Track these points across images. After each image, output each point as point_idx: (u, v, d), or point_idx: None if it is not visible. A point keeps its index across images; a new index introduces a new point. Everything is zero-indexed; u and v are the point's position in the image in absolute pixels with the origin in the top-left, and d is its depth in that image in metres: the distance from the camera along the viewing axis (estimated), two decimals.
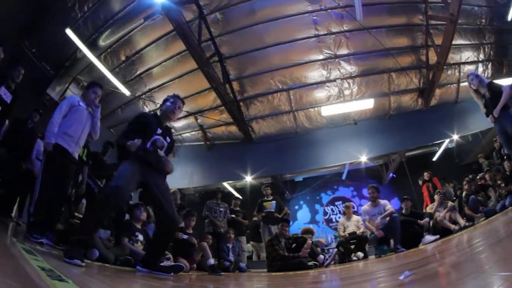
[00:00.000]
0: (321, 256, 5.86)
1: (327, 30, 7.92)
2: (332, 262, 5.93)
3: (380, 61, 8.82)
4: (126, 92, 8.05)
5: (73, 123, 3.48)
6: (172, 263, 3.85)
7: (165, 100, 3.14)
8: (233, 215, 7.20)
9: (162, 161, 2.78)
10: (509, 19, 7.97)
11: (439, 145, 11.42)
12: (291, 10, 7.38)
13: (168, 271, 2.88)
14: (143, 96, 8.66)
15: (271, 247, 5.72)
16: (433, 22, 8.07)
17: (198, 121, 9.09)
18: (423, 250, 4.74)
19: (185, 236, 4.93)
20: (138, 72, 8.10)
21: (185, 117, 8.91)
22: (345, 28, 7.94)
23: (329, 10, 7.52)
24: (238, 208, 7.53)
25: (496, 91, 4.44)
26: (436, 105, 10.07)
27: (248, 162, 9.18)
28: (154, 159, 2.70)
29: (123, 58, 7.65)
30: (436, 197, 6.50)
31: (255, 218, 7.64)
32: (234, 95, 8.30)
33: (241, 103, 8.70)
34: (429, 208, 6.75)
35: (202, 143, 9.63)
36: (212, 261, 4.76)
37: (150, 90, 8.55)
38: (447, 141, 10.82)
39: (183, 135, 9.68)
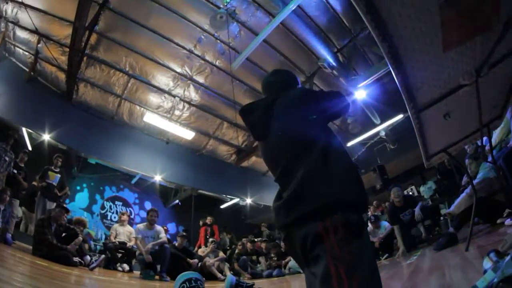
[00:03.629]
0: (88, 257, 6.69)
1: (202, 53, 9.98)
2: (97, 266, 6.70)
3: (222, 107, 11.55)
4: None
5: None
6: None
7: (296, 82, 2.09)
8: (15, 171, 7.43)
9: None
10: (348, 144, 12.38)
11: (232, 198, 14.83)
12: (191, 16, 8.99)
13: None
14: None
15: (41, 228, 6.22)
16: None
17: (39, 45, 9.01)
18: None
19: None
20: None
21: (31, 31, 8.77)
22: (217, 63, 10.26)
23: (219, 41, 9.62)
24: (22, 165, 7.83)
25: None
26: (245, 167, 13.64)
27: (55, 118, 9.54)
28: None
29: None
30: (210, 244, 8.83)
31: (34, 183, 8.12)
32: (86, 46, 8.88)
33: (85, 58, 9.34)
34: (201, 251, 8.96)
35: (27, 70, 9.41)
36: None
37: None
38: (239, 199, 14.26)
39: (16, 48, 9.29)
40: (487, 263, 2.03)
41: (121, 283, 5.48)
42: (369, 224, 8.14)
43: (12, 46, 9.32)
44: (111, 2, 8.46)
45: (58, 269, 5.09)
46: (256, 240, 11.05)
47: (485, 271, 1.98)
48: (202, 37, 9.43)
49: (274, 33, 8.67)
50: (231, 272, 8.31)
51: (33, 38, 9.05)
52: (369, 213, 9.42)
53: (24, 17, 8.41)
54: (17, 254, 5.68)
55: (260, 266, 9.22)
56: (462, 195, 4.95)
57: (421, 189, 10.52)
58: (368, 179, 12.04)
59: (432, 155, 3.93)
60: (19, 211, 8.19)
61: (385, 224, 7.85)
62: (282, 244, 9.04)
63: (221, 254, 8.82)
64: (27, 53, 9.40)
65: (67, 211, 7.27)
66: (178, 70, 10.28)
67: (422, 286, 2.56)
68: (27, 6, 8.15)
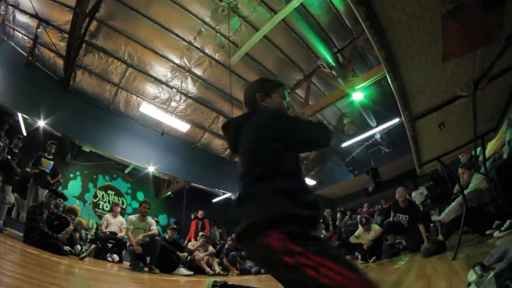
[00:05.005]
0: (79, 247, 6.73)
1: (202, 46, 9.89)
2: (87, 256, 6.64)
3: (219, 101, 11.53)
4: None
5: None
6: None
7: (269, 90, 2.02)
8: (9, 157, 7.47)
9: None
10: (342, 145, 12.25)
11: (224, 193, 14.79)
12: (192, 7, 8.88)
13: None
14: None
15: (33, 215, 6.23)
16: None
17: (38, 30, 8.90)
18: (176, 280, 6.06)
19: None
20: None
21: (31, 16, 8.65)
22: (216, 57, 10.17)
23: (219, 34, 9.54)
24: (17, 151, 7.85)
25: None
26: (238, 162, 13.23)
27: (50, 104, 9.44)
28: None
29: None
30: (199, 238, 8.88)
31: (28, 169, 8.11)
32: (85, 33, 8.79)
33: (84, 45, 9.23)
34: (191, 245, 8.98)
35: (25, 54, 9.29)
36: None
37: None
38: (231, 194, 14.29)
39: (16, 31, 9.17)
40: (472, 276, 2.04)
41: (110, 274, 5.46)
42: (360, 226, 8.16)
43: (11, 30, 9.18)
44: None
45: (48, 257, 5.08)
46: None
47: (469, 284, 1.99)
48: (203, 29, 9.35)
49: (275, 30, 8.63)
50: (220, 267, 8.29)
51: (33, 23, 8.93)
52: (359, 215, 9.46)
53: (25, 0, 8.29)
54: (8, 241, 5.69)
55: (249, 262, 9.22)
56: (453, 204, 4.98)
57: (413, 194, 10.51)
58: (362, 180, 12.08)
59: (425, 162, 3.92)
60: (11, 197, 8.15)
61: (376, 227, 7.88)
62: None
63: (211, 248, 8.82)
64: (26, 38, 9.27)
65: (63, 198, 7.30)
66: (177, 61, 10.21)
67: None
68: None
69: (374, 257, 7.34)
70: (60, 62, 9.67)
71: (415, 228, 6.89)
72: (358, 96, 9.39)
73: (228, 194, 14.70)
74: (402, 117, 3.06)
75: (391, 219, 7.52)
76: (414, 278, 3.39)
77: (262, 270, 8.33)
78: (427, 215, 8.39)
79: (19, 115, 9.62)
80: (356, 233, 8.10)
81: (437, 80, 2.72)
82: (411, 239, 7.11)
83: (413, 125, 3.18)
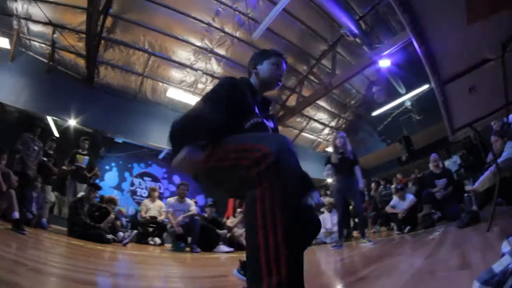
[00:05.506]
0: (121, 233, 7.03)
1: (221, 25, 9.78)
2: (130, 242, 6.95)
3: None
4: None
5: None
6: None
7: (261, 58, 2.22)
8: (45, 158, 7.76)
9: None
10: (373, 114, 11.64)
11: None
12: None
13: None
14: None
15: (74, 209, 6.54)
16: (311, 77, 11.06)
17: (54, 35, 9.03)
18: (217, 257, 6.11)
19: None
20: None
21: (44, 23, 8.79)
22: (237, 35, 10.05)
23: (237, 12, 9.42)
24: (52, 152, 8.11)
25: (354, 158, 6.39)
26: None
27: (79, 104, 9.71)
28: None
29: None
30: (238, 215, 8.92)
31: (64, 167, 8.36)
32: (102, 30, 8.81)
33: (102, 41, 9.31)
34: (229, 222, 8.97)
35: (45, 61, 9.49)
36: (17, 214, 5.04)
37: None
38: None
39: (32, 42, 9.37)
40: (506, 247, 1.94)
41: (153, 256, 5.62)
42: (394, 195, 8.12)
43: (28, 41, 9.39)
44: None
45: (93, 247, 5.30)
46: None
47: (503, 254, 1.90)
48: (220, 9, 9.25)
49: (294, 1, 8.36)
50: None
51: (48, 30, 9.08)
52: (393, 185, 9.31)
53: (36, 11, 8.43)
54: (53, 236, 5.95)
55: None
56: (486, 173, 4.71)
57: (446, 163, 10.12)
58: (394, 150, 11.79)
59: (456, 129, 3.73)
60: (52, 196, 8.49)
61: (410, 197, 7.75)
62: None
63: None
64: (43, 45, 9.46)
65: (97, 187, 7.47)
66: (198, 44, 10.16)
67: (442, 264, 2.48)
68: (36, 0, 8.17)
69: (409, 227, 7.22)
70: (81, 62, 9.84)
71: (451, 198, 6.78)
72: (385, 63, 9.06)
73: None
74: (431, 81, 2.96)
75: (426, 188, 7.35)
76: (448, 249, 3.31)
77: None
78: (462, 185, 8.10)
79: (49, 118, 9.92)
80: (392, 203, 8.00)
81: (464, 43, 2.58)
82: (447, 210, 6.94)
83: (442, 90, 3.05)
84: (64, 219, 7.71)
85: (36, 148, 7.37)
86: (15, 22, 8.69)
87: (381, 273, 2.53)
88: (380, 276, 2.43)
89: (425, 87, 10.24)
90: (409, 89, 10.77)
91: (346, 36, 8.98)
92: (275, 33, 9.93)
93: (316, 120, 13.11)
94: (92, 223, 6.54)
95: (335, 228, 7.57)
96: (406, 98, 11.08)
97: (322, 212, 8.69)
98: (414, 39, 2.50)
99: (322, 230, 7.97)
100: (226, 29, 9.88)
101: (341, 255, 4.87)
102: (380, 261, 3.26)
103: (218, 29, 9.81)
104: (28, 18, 8.73)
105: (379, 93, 11.41)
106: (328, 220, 8.37)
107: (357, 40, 8.86)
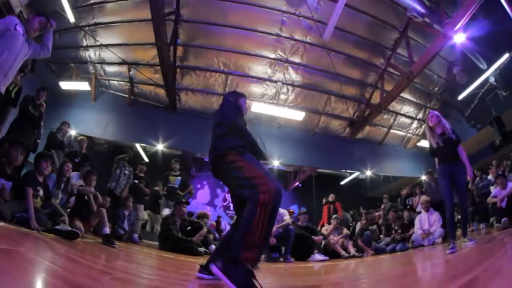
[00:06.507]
0: (213, 246, 7.06)
1: (290, 34, 9.84)
2: None
3: (326, 82, 11.18)
4: (71, 18, 8.71)
5: (5, 50, 3.44)
6: (68, 228, 4.43)
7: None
8: (136, 181, 8.43)
9: None
10: (459, 97, 10.88)
11: (351, 173, 14.61)
12: (266, 1, 9.02)
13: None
14: (87, 28, 9.45)
15: (166, 225, 6.84)
16: (390, 69, 10.63)
17: (130, 72, 10.18)
18: (311, 266, 6.00)
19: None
20: (92, 1, 8.91)
21: (119, 64, 9.95)
22: (308, 40, 9.99)
23: (302, 18, 9.40)
24: (142, 175, 8.77)
25: (457, 139, 5.12)
26: (361, 139, 13.09)
27: (165, 129, 10.65)
28: None
29: None
30: (333, 221, 8.61)
31: (156, 188, 9.12)
32: (175, 59, 9.62)
33: (177, 70, 10.09)
34: (324, 229, 8.80)
35: (127, 96, 10.71)
36: (107, 229, 5.34)
37: (96, 24, 9.39)
38: (359, 172, 13.94)
39: (111, 81, 10.66)
40: None
41: None
42: (495, 183, 7.55)
43: (106, 81, 10.62)
44: (184, 14, 9.01)
45: (184, 259, 5.47)
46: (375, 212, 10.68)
47: None
48: (284, 18, 9.36)
49: None
50: (355, 249, 7.99)
51: (123, 68, 10.15)
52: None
53: (108, 55, 9.57)
54: (144, 250, 6.32)
55: (382, 240, 8.76)
56: None
57: None
58: (486, 134, 10.70)
59: None
60: (144, 214, 9.22)
61: (510, 185, 7.01)
62: (404, 215, 8.58)
63: (345, 231, 8.50)
64: (122, 82, 10.60)
65: (186, 203, 7.88)
66: (272, 56, 10.36)
67: None
68: (106, 46, 9.27)
69: (505, 219, 6.43)
70: (161, 92, 10.71)
71: None
72: (459, 38, 8.34)
73: (355, 174, 14.35)
74: None
75: None
76: None
77: (398, 247, 7.90)
78: None
79: (137, 145, 10.86)
80: (493, 193, 7.30)
81: None
82: None
83: None
84: (155, 234, 8.33)
85: (127, 172, 8.05)
86: (91, 68, 9.91)
87: (490, 276, 2.28)
88: (490, 278, 2.18)
89: (506, 56, 9.15)
90: (489, 63, 9.75)
91: (414, 17, 8.45)
92: (344, 31, 9.70)
93: (403, 115, 12.42)
94: (184, 237, 6.83)
95: (433, 229, 7.13)
96: (489, 73, 9.94)
97: (419, 212, 8.12)
98: None
99: (419, 232, 7.41)
100: (296, 36, 9.93)
101: (442, 257, 4.45)
102: (486, 262, 2.93)
103: (288, 38, 9.90)
104: (102, 62, 9.92)
105: (461, 73, 10.47)
106: (425, 220, 7.57)
107: (426, 19, 8.28)
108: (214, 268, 2.05)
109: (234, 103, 3.27)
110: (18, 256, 2.20)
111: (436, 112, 5.39)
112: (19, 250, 2.48)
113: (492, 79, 10.23)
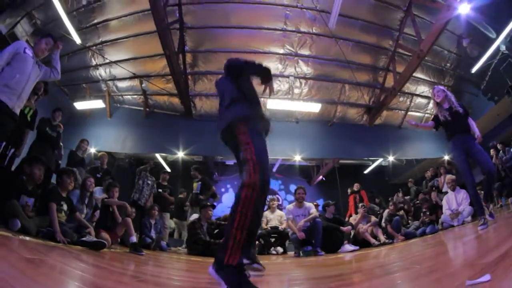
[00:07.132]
0: None
1: (296, 27, 9.79)
2: None
3: (338, 71, 11.07)
4: (77, 39, 8.96)
5: (17, 73, 3.54)
6: (94, 239, 4.52)
7: None
8: (160, 190, 8.53)
9: None
10: (472, 71, 10.70)
11: (374, 160, 14.39)
12: None
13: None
14: (94, 47, 9.71)
15: (193, 230, 6.84)
16: (400, 50, 10.48)
17: (143, 85, 10.37)
18: (341, 257, 5.90)
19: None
20: (95, 21, 9.15)
21: (130, 78, 10.18)
22: (314, 31, 9.90)
23: (304, 10, 9.35)
24: (166, 183, 8.88)
25: (465, 110, 5.28)
26: (379, 125, 12.86)
27: (183, 137, 10.77)
28: None
29: (84, 2, 8.61)
30: (360, 210, 8.51)
31: (181, 196, 9.23)
32: (185, 67, 9.75)
33: (189, 77, 10.21)
34: (352, 219, 8.70)
35: (142, 108, 10.91)
36: (134, 238, 5.42)
37: (102, 42, 9.64)
38: (381, 159, 13.74)
39: (124, 96, 10.90)
40: None
41: (277, 264, 5.69)
42: None
43: (120, 97, 10.81)
44: (187, 22, 9.13)
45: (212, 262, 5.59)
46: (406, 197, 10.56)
47: None
48: (287, 12, 9.32)
49: None
50: (385, 236, 7.88)
51: (135, 82, 10.33)
52: None
53: (119, 71, 9.77)
54: (173, 256, 6.40)
55: (411, 225, 8.62)
56: None
57: None
58: (504, 106, 10.43)
59: None
60: (171, 222, 9.36)
61: None
62: (432, 197, 8.48)
63: (373, 218, 8.35)
64: (135, 96, 10.77)
65: (212, 206, 7.82)
66: (281, 51, 10.34)
67: None
68: (116, 62, 9.49)
69: None
70: (175, 100, 10.85)
71: None
72: (464, 8, 8.17)
73: (378, 161, 14.19)
74: None
75: None
76: None
77: (427, 230, 7.76)
78: None
79: (157, 155, 11.03)
80: None
81: None
82: None
83: None
84: (183, 241, 8.39)
85: (149, 182, 8.04)
86: (103, 85, 10.16)
87: None
88: None
89: None
90: (498, 32, 9.49)
91: None
92: (349, 17, 9.55)
93: (418, 95, 12.19)
94: (211, 240, 6.79)
95: (461, 208, 6.98)
96: (499, 41, 9.68)
97: (446, 193, 7.97)
98: None
99: (448, 213, 7.25)
100: (302, 29, 9.86)
101: (473, 234, 4.37)
102: None
103: (294, 31, 9.85)
104: (114, 79, 10.15)
105: (471, 46, 10.22)
106: (453, 199, 7.36)
107: None
108: (209, 269, 2.04)
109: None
110: (46, 266, 2.30)
111: (441, 87, 5.49)
112: (46, 260, 2.56)
113: (503, 47, 9.93)
